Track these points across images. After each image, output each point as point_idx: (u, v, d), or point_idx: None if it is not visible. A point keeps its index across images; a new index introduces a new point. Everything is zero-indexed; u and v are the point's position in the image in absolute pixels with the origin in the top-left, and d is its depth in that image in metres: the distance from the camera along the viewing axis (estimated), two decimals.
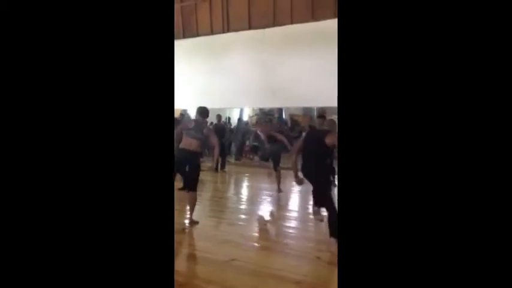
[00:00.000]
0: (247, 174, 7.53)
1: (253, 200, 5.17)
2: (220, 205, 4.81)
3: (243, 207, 4.76)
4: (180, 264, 2.75)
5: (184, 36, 9.49)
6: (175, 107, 9.68)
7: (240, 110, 10.99)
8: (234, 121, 11.07)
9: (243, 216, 4.22)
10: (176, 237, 3.41)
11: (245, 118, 11.12)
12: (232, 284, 2.40)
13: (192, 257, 2.94)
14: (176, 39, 9.59)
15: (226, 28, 8.94)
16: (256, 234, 3.35)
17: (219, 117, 8.60)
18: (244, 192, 5.95)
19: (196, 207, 3.65)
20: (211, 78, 9.08)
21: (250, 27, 8.59)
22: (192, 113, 10.56)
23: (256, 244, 3.21)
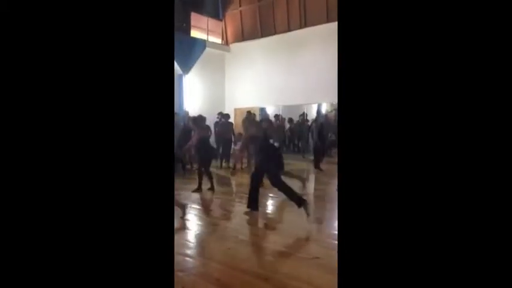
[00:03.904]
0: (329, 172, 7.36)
1: (336, 198, 5.04)
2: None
3: (327, 205, 4.68)
4: (264, 259, 2.80)
5: (262, 36, 9.66)
6: (254, 105, 9.93)
7: (317, 105, 10.81)
8: (311, 117, 10.93)
9: (327, 214, 4.15)
10: (259, 232, 3.50)
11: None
12: (315, 281, 2.36)
13: (275, 253, 2.97)
14: (254, 38, 9.88)
15: (304, 23, 8.86)
16: None
17: (302, 115, 8.43)
18: (328, 189, 5.83)
19: (274, 203, 3.68)
20: (289, 75, 9.09)
21: (328, 20, 8.36)
22: (270, 111, 10.71)
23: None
